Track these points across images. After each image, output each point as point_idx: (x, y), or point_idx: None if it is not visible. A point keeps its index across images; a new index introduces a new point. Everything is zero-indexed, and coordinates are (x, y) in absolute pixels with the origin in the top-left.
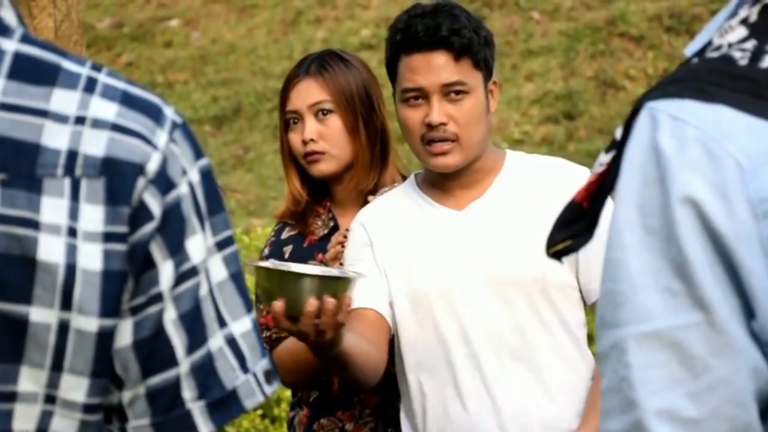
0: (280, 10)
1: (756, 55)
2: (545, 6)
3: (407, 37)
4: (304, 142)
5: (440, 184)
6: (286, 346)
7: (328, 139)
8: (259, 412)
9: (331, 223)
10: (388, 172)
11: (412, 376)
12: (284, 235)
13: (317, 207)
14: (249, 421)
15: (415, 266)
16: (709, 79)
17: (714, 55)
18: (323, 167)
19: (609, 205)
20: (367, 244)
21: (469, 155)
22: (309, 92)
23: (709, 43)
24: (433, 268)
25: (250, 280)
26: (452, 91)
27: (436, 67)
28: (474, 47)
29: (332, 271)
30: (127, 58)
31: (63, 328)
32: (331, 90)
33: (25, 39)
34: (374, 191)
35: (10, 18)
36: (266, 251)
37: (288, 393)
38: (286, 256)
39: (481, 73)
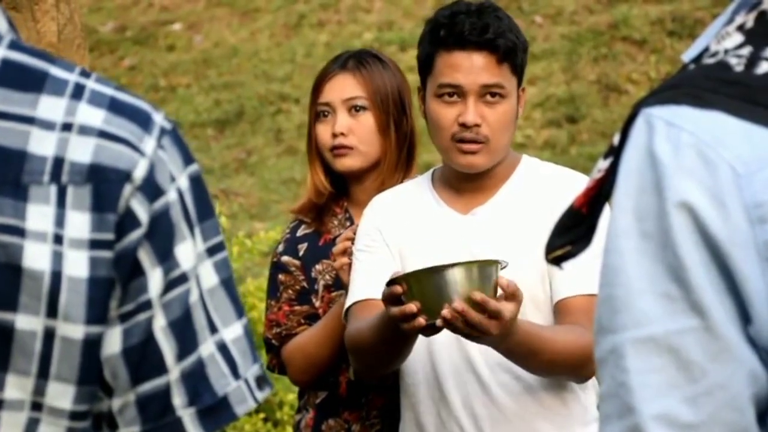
0: (282, 13)
1: (752, 62)
2: (548, 10)
3: (451, 34)
4: (334, 135)
5: (453, 183)
6: (296, 342)
7: (358, 135)
8: (262, 415)
9: (348, 223)
10: (412, 174)
11: (409, 380)
12: (299, 233)
13: (334, 206)
14: (251, 425)
15: (411, 263)
16: (704, 86)
17: (710, 61)
18: (349, 162)
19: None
20: (377, 230)
21: (495, 159)
22: (344, 87)
23: (706, 50)
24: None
25: (251, 283)
26: (489, 93)
27: (477, 68)
28: (516, 52)
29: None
30: (129, 62)
31: (49, 335)
32: (367, 87)
33: (14, 45)
34: None
35: (0, 24)
36: (281, 248)
37: (291, 396)
38: (301, 253)
39: (516, 79)
